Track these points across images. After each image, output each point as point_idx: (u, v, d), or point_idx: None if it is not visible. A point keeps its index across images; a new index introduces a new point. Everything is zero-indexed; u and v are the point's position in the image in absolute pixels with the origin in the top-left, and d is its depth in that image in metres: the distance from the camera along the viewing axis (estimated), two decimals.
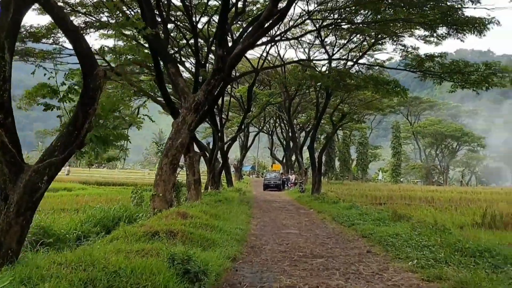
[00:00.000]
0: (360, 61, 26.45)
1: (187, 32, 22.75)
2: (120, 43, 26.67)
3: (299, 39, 30.45)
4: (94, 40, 30.29)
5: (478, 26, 18.09)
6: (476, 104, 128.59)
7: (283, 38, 24.43)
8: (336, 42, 27.29)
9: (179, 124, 12.87)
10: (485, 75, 20.18)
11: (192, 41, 21.27)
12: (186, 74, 29.34)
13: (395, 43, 23.47)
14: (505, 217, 15.36)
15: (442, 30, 20.35)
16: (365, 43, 26.10)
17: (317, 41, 29.03)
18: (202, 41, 25.45)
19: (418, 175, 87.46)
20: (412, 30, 22.01)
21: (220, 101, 33.92)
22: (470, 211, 21.26)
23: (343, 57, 26.69)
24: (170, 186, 12.79)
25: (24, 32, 19.92)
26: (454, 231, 10.86)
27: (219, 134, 28.15)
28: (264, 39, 23.38)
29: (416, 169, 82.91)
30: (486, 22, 17.95)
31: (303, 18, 22.72)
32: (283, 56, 35.40)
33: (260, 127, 60.27)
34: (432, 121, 78.82)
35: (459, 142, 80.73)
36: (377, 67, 26.04)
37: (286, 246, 9.47)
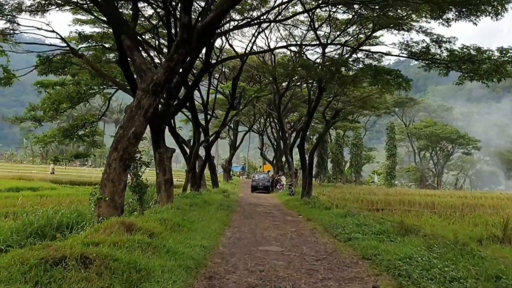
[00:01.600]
0: (355, 54, 23.87)
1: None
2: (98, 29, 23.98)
3: (291, 30, 27.99)
4: (68, 25, 28.17)
5: (495, 5, 15.60)
6: (465, 107, 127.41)
7: (270, 20, 21.76)
8: (330, 33, 24.68)
9: (133, 109, 10.20)
10: (498, 64, 17.65)
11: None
12: None
13: (397, 30, 20.83)
14: None
15: (451, 14, 17.83)
16: (361, 35, 23.52)
17: (310, 35, 26.50)
18: None
19: (412, 178, 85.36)
20: (417, 14, 19.44)
21: (205, 97, 31.30)
22: (480, 219, 18.77)
23: (339, 42, 23.91)
24: (121, 187, 10.11)
25: None
26: (483, 252, 8.27)
27: (200, 129, 25.39)
28: (248, 20, 20.80)
29: (410, 172, 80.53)
30: (504, 1, 15.46)
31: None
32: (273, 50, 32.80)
33: (250, 126, 57.53)
34: (428, 123, 76.60)
35: (454, 145, 78.55)
36: (377, 55, 23.26)
37: (260, 275, 6.78)
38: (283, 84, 37.69)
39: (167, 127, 25.31)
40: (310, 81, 34.24)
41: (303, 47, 25.66)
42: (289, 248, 9.65)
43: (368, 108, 43.63)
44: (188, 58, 17.98)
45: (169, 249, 6.96)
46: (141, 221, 9.25)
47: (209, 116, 30.99)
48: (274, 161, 59.23)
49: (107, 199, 9.90)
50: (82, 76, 23.49)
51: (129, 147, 10.05)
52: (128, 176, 15.20)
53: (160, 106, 17.90)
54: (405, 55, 20.34)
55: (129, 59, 13.70)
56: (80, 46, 21.71)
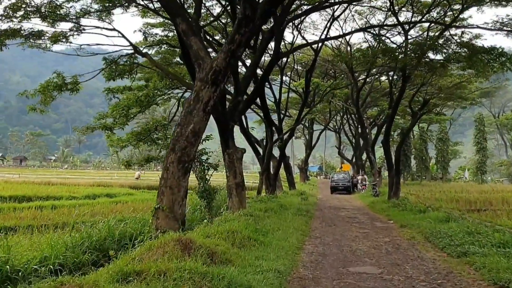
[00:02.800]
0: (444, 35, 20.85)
1: None
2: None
3: (368, 17, 25.52)
4: (140, 31, 27.31)
5: None
6: None
7: (344, 1, 19.57)
8: (412, 17, 21.97)
9: (191, 103, 8.66)
10: None
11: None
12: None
13: (495, 3, 17.73)
14: None
15: None
16: (447, 18, 20.53)
17: (389, 22, 23.74)
18: None
19: (504, 173, 78.27)
20: None
21: (278, 95, 29.61)
22: None
23: (426, 20, 20.98)
24: (181, 194, 8.60)
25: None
26: None
27: (273, 128, 23.68)
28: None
29: (504, 166, 73.49)
30: None
31: None
32: (349, 40, 30.32)
33: (326, 124, 55.04)
34: None
35: None
36: (466, 38, 19.98)
37: None
38: (360, 78, 35.22)
39: (238, 126, 23.98)
40: (390, 72, 31.51)
41: (383, 30, 22.95)
42: (389, 268, 7.55)
43: (455, 99, 39.69)
44: (258, 52, 16.45)
45: (231, 281, 5.17)
46: (203, 236, 7.66)
47: (282, 115, 29.29)
48: (353, 160, 56.33)
49: (165, 208, 8.44)
50: (152, 79, 22.75)
51: (188, 147, 8.51)
52: (195, 180, 13.86)
53: (228, 103, 16.46)
54: (508, 30, 17.14)
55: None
56: (145, 47, 20.90)
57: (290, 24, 24.97)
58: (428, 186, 41.71)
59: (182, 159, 8.50)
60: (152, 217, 8.78)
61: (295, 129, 28.91)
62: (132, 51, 17.77)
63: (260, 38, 16.96)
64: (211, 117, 10.59)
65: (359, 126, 52.63)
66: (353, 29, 29.34)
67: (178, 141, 8.52)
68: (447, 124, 63.03)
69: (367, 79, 34.80)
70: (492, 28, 18.42)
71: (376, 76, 39.12)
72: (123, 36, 16.34)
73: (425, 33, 22.02)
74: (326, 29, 23.96)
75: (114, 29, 16.31)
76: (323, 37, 24.13)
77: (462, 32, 19.30)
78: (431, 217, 14.62)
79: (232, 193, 14.95)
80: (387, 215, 17.81)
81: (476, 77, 21.60)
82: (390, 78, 31.52)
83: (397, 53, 20.13)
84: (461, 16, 19.79)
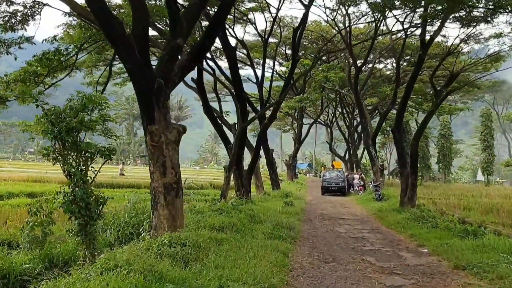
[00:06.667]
0: None
1: None
2: None
3: None
4: None
5: None
6: None
7: None
8: None
9: None
10: None
11: None
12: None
13: None
14: None
15: None
16: None
17: None
18: None
19: (504, 175, 73.43)
20: None
21: (259, 73, 23.30)
22: None
23: None
24: None
25: None
26: None
27: (247, 105, 17.27)
28: None
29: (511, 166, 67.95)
30: None
31: None
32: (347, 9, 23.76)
33: (317, 116, 48.94)
34: None
35: None
36: None
37: None
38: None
39: (203, 97, 17.49)
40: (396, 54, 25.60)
41: None
42: None
43: (464, 86, 33.55)
44: None
45: None
46: None
47: (265, 102, 22.95)
48: (347, 157, 50.17)
49: None
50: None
51: None
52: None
53: (163, 51, 10.01)
54: None
55: None
56: None
57: None
58: (433, 188, 35.92)
59: None
60: None
61: (278, 107, 22.38)
62: None
63: None
64: None
65: (353, 119, 46.59)
66: None
67: None
68: (452, 117, 57.69)
69: (368, 58, 28.68)
70: None
71: (377, 59, 33.47)
72: None
73: None
74: None
75: None
76: None
77: None
78: (501, 247, 8.45)
79: (158, 202, 8.57)
80: (411, 236, 11.54)
81: None
82: (398, 55, 25.55)
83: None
84: None
